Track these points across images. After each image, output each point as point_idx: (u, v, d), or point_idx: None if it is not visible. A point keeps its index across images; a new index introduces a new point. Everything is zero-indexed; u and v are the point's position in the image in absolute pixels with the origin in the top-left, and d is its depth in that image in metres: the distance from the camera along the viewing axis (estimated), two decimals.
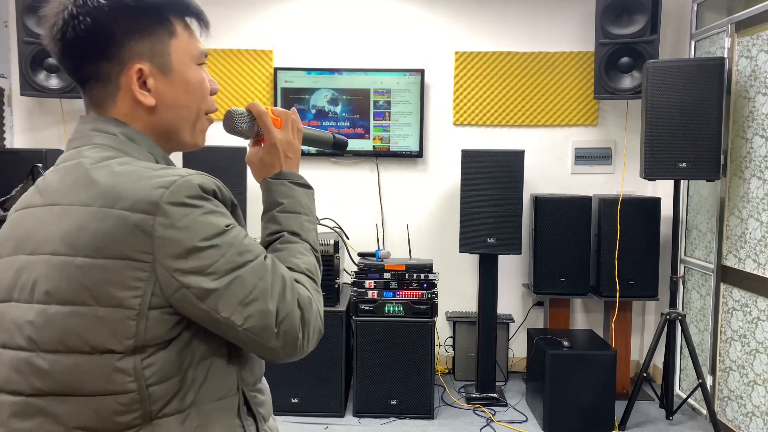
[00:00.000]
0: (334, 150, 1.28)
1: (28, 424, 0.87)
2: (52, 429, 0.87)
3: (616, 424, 3.37)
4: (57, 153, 3.99)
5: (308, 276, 1.01)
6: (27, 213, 0.93)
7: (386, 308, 3.51)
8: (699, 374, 3.24)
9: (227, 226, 0.89)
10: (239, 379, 0.96)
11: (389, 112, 4.16)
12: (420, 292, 3.52)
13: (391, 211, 4.28)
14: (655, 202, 3.79)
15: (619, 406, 3.41)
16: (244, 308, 0.88)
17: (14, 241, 0.92)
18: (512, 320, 4.18)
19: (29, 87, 3.86)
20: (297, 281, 0.97)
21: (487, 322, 3.77)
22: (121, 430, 0.86)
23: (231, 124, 1.09)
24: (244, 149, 3.81)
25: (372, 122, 4.16)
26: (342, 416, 3.52)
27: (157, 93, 0.97)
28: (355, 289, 3.54)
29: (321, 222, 3.83)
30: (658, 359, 3.75)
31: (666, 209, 3.76)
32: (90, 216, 0.86)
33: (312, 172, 4.15)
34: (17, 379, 0.88)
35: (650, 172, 3.29)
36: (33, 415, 0.87)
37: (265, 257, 0.94)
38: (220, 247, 0.87)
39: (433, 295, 3.52)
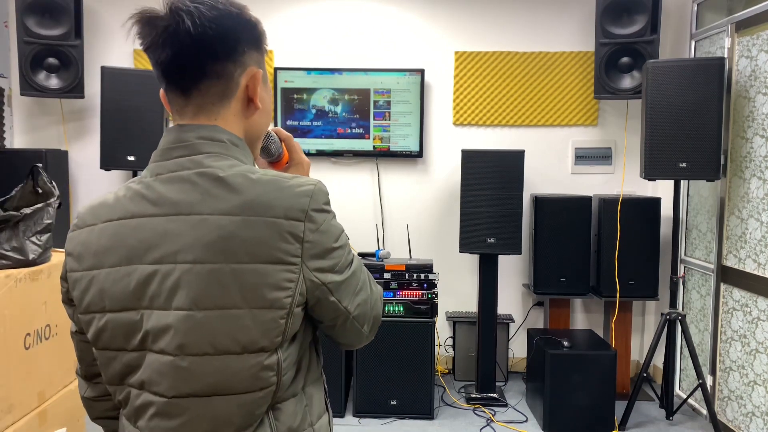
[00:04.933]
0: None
1: (171, 424, 0.92)
2: (194, 428, 0.92)
3: (616, 424, 3.37)
4: (57, 153, 4.00)
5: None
6: (137, 223, 0.93)
7: (386, 308, 3.51)
8: (699, 374, 3.24)
9: (342, 228, 1.00)
10: (320, 359, 1.06)
11: (389, 112, 4.16)
12: (420, 292, 3.53)
13: (391, 211, 4.28)
14: (655, 202, 3.79)
15: (619, 406, 3.41)
16: (354, 297, 0.99)
17: (124, 251, 0.93)
18: (512, 320, 4.18)
19: (29, 87, 3.86)
20: None
21: (487, 322, 3.77)
22: (254, 421, 0.93)
23: (265, 141, 1.14)
24: None
25: (372, 122, 4.16)
26: (342, 416, 3.52)
27: (260, 99, 1.03)
28: None
29: None
30: (658, 359, 3.75)
31: (666, 209, 3.76)
32: (237, 225, 0.89)
33: (312, 172, 4.15)
34: (159, 380, 0.91)
35: (650, 172, 3.29)
36: (176, 415, 0.92)
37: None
38: (343, 247, 0.98)
39: (433, 295, 3.52)
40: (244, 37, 0.99)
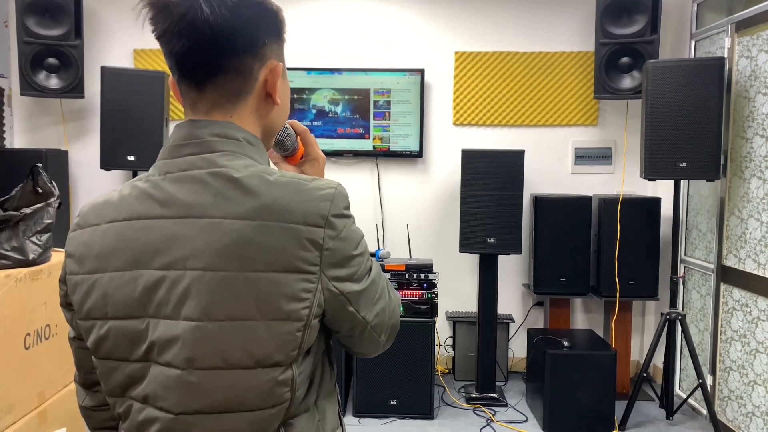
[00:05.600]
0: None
1: None
2: None
3: (616, 424, 3.37)
4: (57, 153, 3.99)
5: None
6: (144, 225, 0.87)
7: None
8: (699, 374, 3.24)
9: (362, 234, 0.94)
10: (333, 370, 1.01)
11: (389, 112, 4.16)
12: (420, 292, 3.53)
13: (391, 211, 4.28)
14: (655, 202, 3.79)
15: (619, 406, 3.41)
16: (373, 307, 0.93)
17: (130, 254, 0.87)
18: (512, 320, 4.18)
19: (29, 87, 3.86)
20: None
21: (487, 322, 3.77)
22: None
23: (280, 134, 1.08)
24: None
25: (372, 122, 4.16)
26: (342, 416, 3.51)
27: (279, 94, 0.97)
28: None
29: None
30: (658, 359, 3.75)
31: (666, 209, 3.76)
32: (253, 230, 0.83)
33: None
34: (165, 395, 0.85)
35: (650, 172, 3.29)
36: None
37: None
38: (363, 254, 0.92)
39: (433, 295, 3.53)
40: (265, 28, 0.93)
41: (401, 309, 3.50)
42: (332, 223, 0.86)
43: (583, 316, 4.32)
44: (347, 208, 0.90)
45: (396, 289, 3.52)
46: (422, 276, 3.55)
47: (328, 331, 0.94)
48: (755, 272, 3.12)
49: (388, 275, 3.55)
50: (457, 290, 4.28)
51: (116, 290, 0.87)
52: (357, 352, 1.00)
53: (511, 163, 3.62)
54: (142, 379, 0.87)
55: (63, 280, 0.95)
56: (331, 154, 4.18)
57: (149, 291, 0.86)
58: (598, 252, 3.87)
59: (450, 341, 4.20)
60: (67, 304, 0.96)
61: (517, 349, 4.22)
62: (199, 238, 0.84)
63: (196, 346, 0.83)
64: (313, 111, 4.17)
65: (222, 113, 0.92)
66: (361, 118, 4.16)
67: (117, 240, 0.88)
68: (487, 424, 3.47)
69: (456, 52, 4.21)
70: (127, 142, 3.73)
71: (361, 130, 4.17)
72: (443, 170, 4.26)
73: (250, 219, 0.83)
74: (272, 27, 0.95)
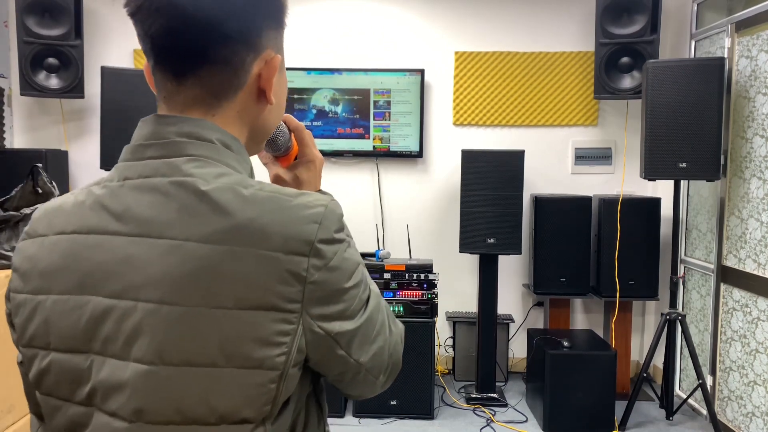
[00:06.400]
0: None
1: None
2: None
3: (616, 425, 3.37)
4: (57, 153, 3.99)
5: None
6: (95, 241, 0.73)
7: None
8: (699, 374, 3.24)
9: (358, 260, 0.77)
10: (323, 415, 0.85)
11: (389, 112, 4.16)
12: (420, 292, 3.53)
13: (391, 211, 4.28)
14: (655, 202, 3.79)
15: (619, 407, 3.41)
16: (369, 347, 0.77)
17: (78, 276, 0.73)
18: (512, 320, 4.18)
19: (29, 87, 3.86)
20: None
21: (487, 322, 3.77)
22: None
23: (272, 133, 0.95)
24: None
25: (372, 122, 4.16)
26: (342, 416, 3.52)
27: (275, 92, 0.82)
28: None
29: None
30: (658, 359, 3.75)
31: (666, 209, 3.76)
32: (221, 256, 0.68)
33: None
34: None
35: (650, 172, 3.29)
36: None
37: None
38: (358, 284, 0.75)
39: (433, 295, 3.52)
40: (263, 12, 0.79)
41: (398, 308, 3.50)
42: (319, 250, 0.70)
43: (583, 317, 4.32)
44: (340, 230, 0.74)
45: (396, 289, 3.52)
46: (422, 276, 3.54)
47: (315, 372, 0.79)
48: (755, 272, 3.12)
49: (388, 275, 3.55)
50: (457, 290, 4.28)
51: (60, 317, 0.73)
52: (350, 395, 0.84)
53: (511, 163, 3.62)
54: (86, 426, 0.73)
55: (7, 297, 0.81)
56: (331, 154, 4.18)
57: (95, 322, 0.71)
58: (598, 252, 3.87)
59: (450, 341, 4.20)
60: (12, 324, 0.81)
61: (517, 349, 4.22)
62: (157, 262, 0.69)
63: (147, 395, 0.69)
64: (313, 111, 4.17)
65: (203, 111, 0.77)
66: (361, 118, 4.16)
67: (64, 257, 0.74)
68: (487, 425, 3.47)
69: (456, 52, 4.21)
70: (127, 142, 3.68)
71: (361, 130, 4.17)
72: (443, 170, 4.26)
73: (217, 243, 0.68)
74: (272, 10, 0.80)
